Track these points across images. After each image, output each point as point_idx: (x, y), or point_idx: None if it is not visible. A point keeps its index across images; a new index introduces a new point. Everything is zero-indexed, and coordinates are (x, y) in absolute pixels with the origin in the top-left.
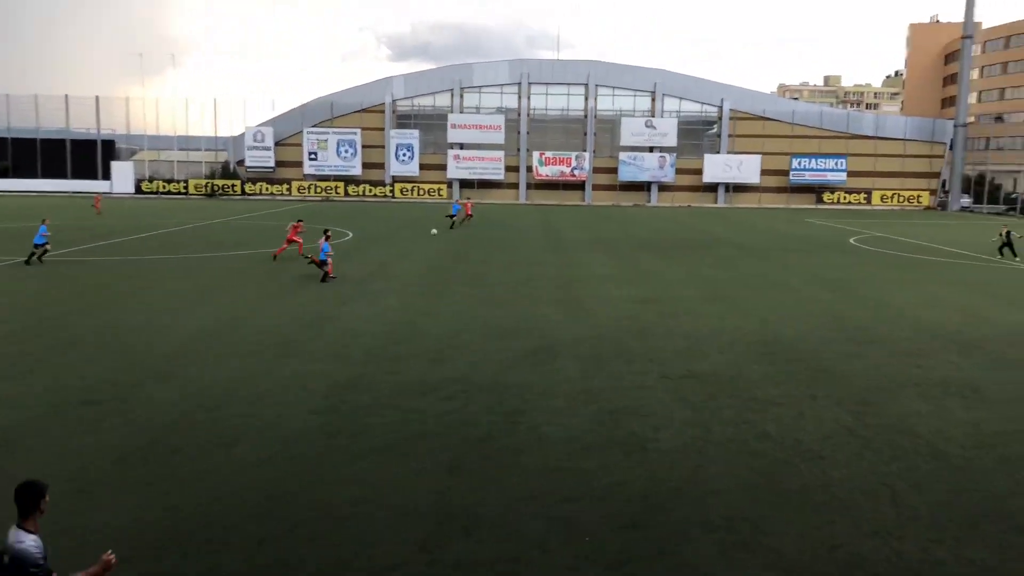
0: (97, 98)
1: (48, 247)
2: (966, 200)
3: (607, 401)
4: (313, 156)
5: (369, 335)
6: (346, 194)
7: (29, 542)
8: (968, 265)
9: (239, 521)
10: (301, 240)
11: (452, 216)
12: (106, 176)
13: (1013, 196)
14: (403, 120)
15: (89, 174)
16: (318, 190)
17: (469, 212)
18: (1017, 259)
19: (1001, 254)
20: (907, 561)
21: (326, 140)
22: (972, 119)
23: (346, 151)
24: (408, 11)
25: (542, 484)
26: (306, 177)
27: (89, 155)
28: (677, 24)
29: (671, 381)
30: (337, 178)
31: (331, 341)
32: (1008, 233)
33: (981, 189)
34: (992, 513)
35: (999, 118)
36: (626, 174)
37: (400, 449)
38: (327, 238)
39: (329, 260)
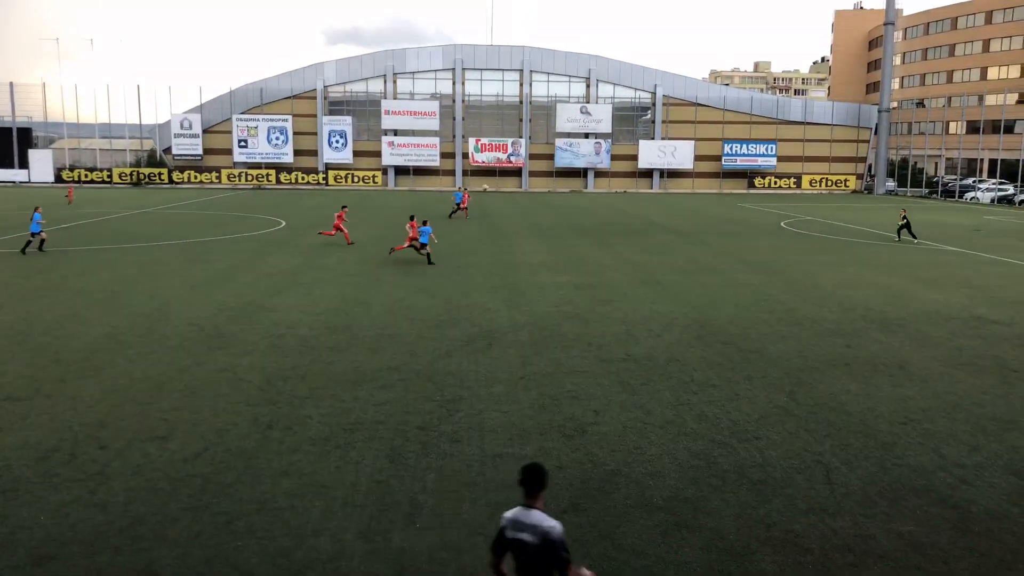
0: (11, 84)
1: (44, 236)
2: (891, 184)
3: (546, 387)
4: (243, 143)
5: (303, 325)
6: (278, 182)
7: (559, 525)
8: (892, 247)
9: (173, 516)
10: (346, 230)
11: (459, 206)
12: (23, 165)
13: (934, 179)
14: (335, 106)
15: (5, 163)
16: (248, 178)
17: (464, 204)
18: (916, 240)
19: (899, 236)
20: (841, 537)
21: (256, 127)
22: (895, 104)
23: (277, 138)
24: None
25: (482, 471)
26: (236, 165)
27: (4, 143)
28: (611, 9)
29: (609, 365)
30: (268, 165)
31: (264, 332)
32: (905, 216)
33: (905, 173)
34: (918, 487)
35: (920, 103)
36: (562, 160)
37: (338, 440)
38: (424, 223)
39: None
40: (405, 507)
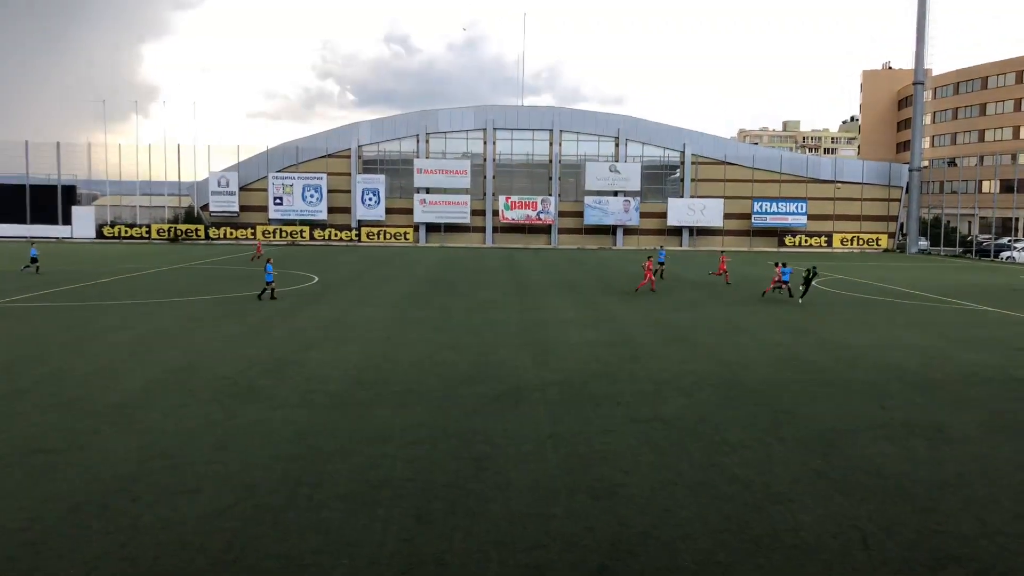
0: (58, 144)
1: (274, 285)
2: (923, 243)
3: (574, 446)
4: (279, 201)
5: (333, 380)
6: (311, 238)
7: None
8: (925, 307)
9: (201, 571)
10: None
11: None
12: (66, 221)
13: (968, 239)
14: (369, 165)
15: (49, 219)
16: (283, 234)
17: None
18: (799, 300)
19: (790, 294)
20: None
21: (291, 185)
22: (926, 163)
23: (312, 196)
24: (375, 63)
25: (510, 530)
26: (271, 222)
27: (49, 200)
28: (640, 69)
29: (638, 425)
30: (303, 222)
31: (294, 387)
32: (810, 271)
33: (938, 232)
34: (960, 556)
35: (952, 162)
36: (591, 218)
37: (365, 497)
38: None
39: None
40: (431, 566)
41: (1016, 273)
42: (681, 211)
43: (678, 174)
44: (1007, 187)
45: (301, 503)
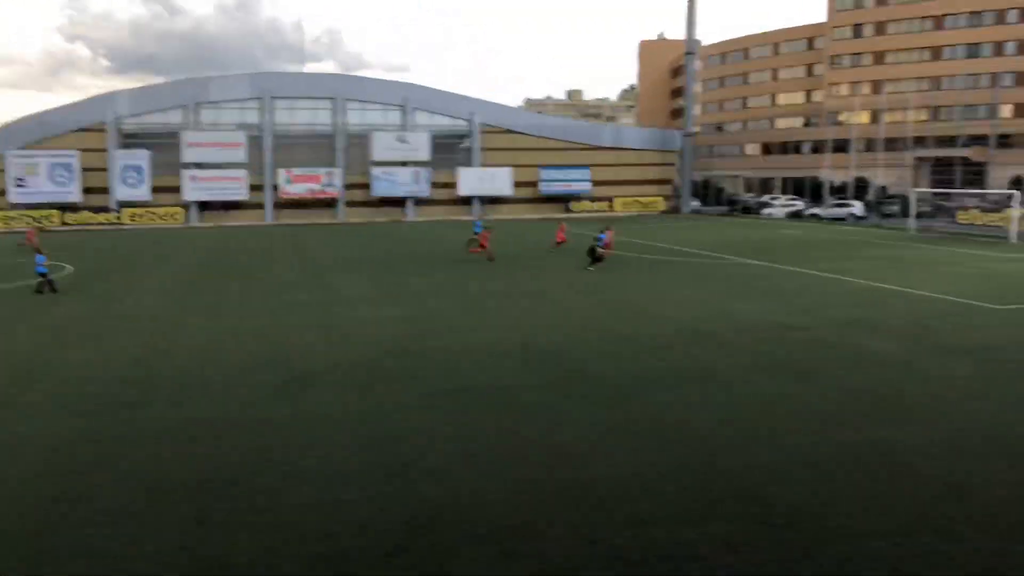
0: None
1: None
2: (696, 203)
3: (367, 427)
4: (21, 182)
5: (95, 381)
6: (63, 223)
7: None
8: (699, 263)
9: None
10: None
11: (476, 235)
12: None
13: (733, 198)
14: (130, 140)
15: None
16: (29, 220)
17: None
18: (591, 268)
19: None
20: (661, 546)
21: (36, 164)
22: (698, 129)
23: (62, 175)
24: (132, 24)
25: (300, 522)
26: (14, 206)
27: None
28: (424, 37)
29: (434, 398)
30: (51, 206)
31: (47, 392)
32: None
33: (707, 192)
34: (730, 489)
35: (719, 127)
36: (380, 189)
37: (135, 507)
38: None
39: None
40: (215, 571)
41: (776, 227)
42: (472, 181)
43: (467, 143)
44: (767, 149)
45: (59, 525)
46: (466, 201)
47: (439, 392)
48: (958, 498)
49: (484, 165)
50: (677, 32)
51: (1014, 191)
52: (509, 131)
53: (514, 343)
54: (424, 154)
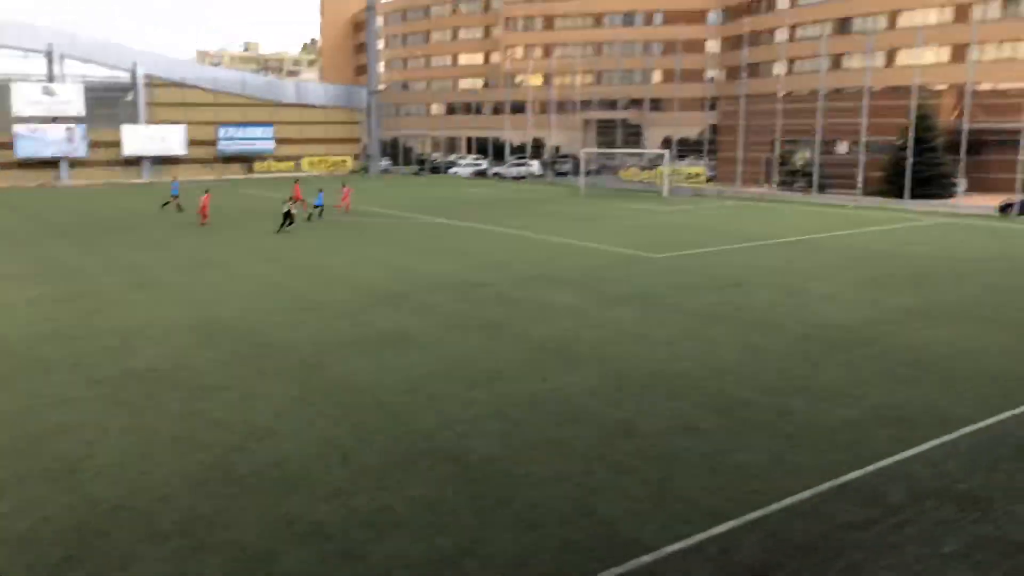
0: None
1: None
2: (385, 162)
3: (21, 426)
4: None
5: None
6: None
7: None
8: (390, 224)
9: None
10: None
11: (317, 207)
12: None
13: (422, 157)
14: None
15: None
16: None
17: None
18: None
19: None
20: (361, 515)
21: None
22: (383, 87)
23: None
24: None
25: None
26: None
27: None
28: None
29: (103, 386)
30: None
31: None
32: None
33: (396, 152)
34: (426, 450)
35: (405, 86)
36: (25, 150)
37: None
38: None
39: None
40: None
41: (463, 186)
42: (139, 139)
43: (131, 98)
44: (451, 109)
45: None
46: (134, 162)
47: (109, 378)
48: (626, 433)
49: (152, 122)
50: None
51: (664, 151)
52: (180, 85)
53: (197, 318)
54: (78, 108)
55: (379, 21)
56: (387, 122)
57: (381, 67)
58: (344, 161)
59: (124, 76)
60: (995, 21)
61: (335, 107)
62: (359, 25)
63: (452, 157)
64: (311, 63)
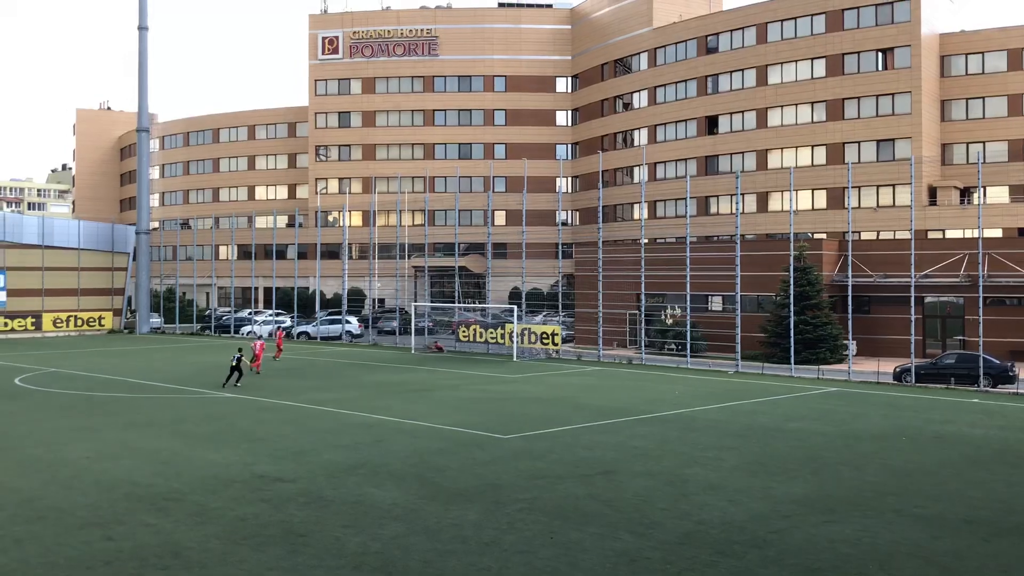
0: None
1: None
2: (156, 320)
3: None
4: None
5: None
6: None
7: None
8: (162, 400)
9: None
10: None
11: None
12: None
13: (207, 312)
14: None
15: None
16: None
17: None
18: (237, 384)
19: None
20: None
21: None
22: (156, 225)
23: None
24: None
25: None
26: None
27: None
28: None
29: None
30: None
31: None
32: (239, 359)
33: (173, 306)
34: None
35: (185, 224)
36: None
37: None
38: None
39: None
40: None
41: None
42: None
43: None
44: (245, 254)
45: None
46: None
47: None
48: None
49: None
50: (126, 102)
51: (512, 305)
52: None
53: None
54: None
55: (153, 144)
56: (161, 267)
57: (155, 200)
58: (101, 318)
59: None
60: (870, 163)
61: (92, 250)
62: (127, 149)
63: (246, 312)
64: (61, 194)
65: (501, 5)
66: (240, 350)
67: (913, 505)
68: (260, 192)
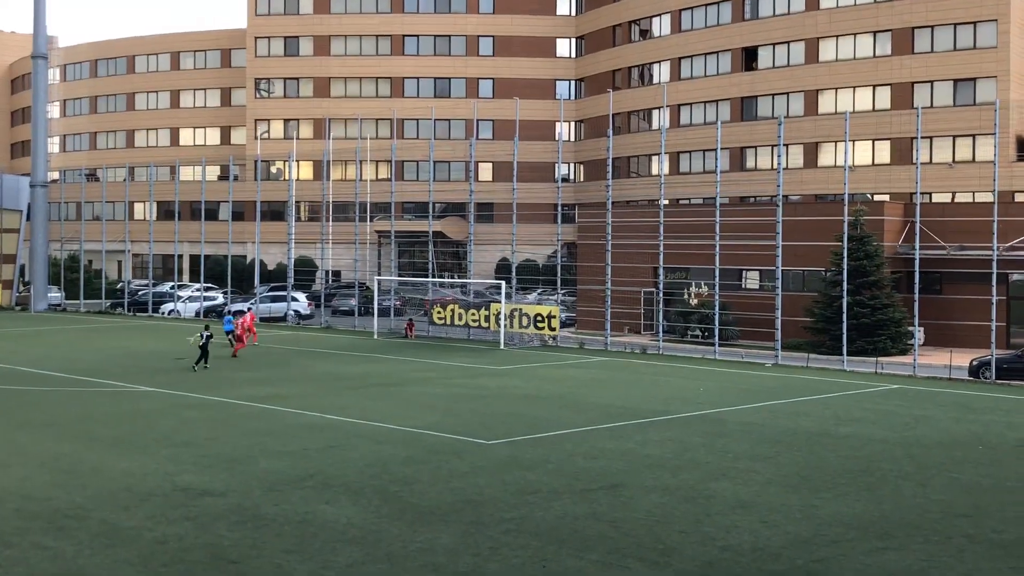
0: None
1: None
2: (56, 294)
3: None
4: None
5: None
6: None
7: None
8: (62, 393)
9: None
10: None
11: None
12: None
13: (118, 286)
14: None
15: None
16: None
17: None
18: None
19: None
20: None
21: None
22: (56, 176)
23: None
24: None
25: None
26: None
27: None
28: None
29: None
30: None
31: None
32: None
33: (76, 278)
34: None
35: (93, 174)
36: None
37: None
38: None
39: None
40: None
41: (180, 332)
42: None
43: None
44: (167, 212)
45: None
46: None
47: None
48: None
49: None
50: (20, 23)
51: (499, 281)
52: None
53: None
54: None
55: (52, 75)
56: (61, 230)
57: (54, 145)
58: None
59: None
60: (945, 108)
61: None
62: (19, 80)
63: (168, 287)
64: None
65: None
66: (207, 327)
67: (990, 529)
68: (186, 136)
